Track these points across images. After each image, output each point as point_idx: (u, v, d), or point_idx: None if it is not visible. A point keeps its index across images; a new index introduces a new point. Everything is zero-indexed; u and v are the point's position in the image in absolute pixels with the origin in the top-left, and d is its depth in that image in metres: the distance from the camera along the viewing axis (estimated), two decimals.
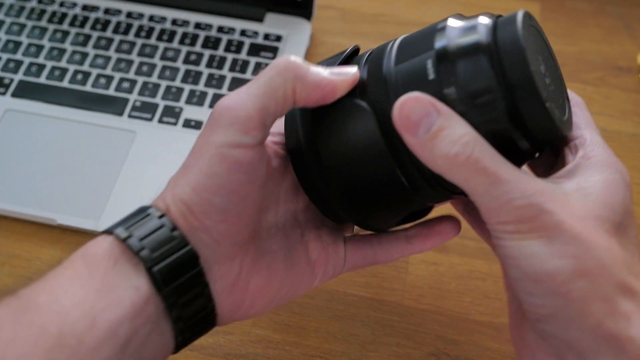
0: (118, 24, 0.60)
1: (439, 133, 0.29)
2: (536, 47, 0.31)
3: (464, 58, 0.30)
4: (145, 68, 0.57)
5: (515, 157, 0.31)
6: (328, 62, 0.36)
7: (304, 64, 0.33)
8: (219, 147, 0.32)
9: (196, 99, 0.55)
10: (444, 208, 0.39)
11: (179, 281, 0.30)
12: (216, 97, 0.55)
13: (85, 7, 0.61)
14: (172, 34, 0.59)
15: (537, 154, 0.33)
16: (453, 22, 0.32)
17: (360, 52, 0.39)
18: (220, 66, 0.57)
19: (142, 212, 0.32)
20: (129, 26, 0.60)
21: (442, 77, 0.30)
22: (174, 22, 0.60)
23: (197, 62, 0.57)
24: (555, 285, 0.29)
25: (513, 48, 0.30)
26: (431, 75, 0.30)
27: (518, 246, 0.29)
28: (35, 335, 0.27)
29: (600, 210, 0.30)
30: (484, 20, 0.32)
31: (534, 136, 0.31)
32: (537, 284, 0.29)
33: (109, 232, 0.31)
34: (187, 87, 0.56)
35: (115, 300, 0.29)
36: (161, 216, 0.31)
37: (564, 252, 0.28)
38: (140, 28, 0.59)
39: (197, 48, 0.58)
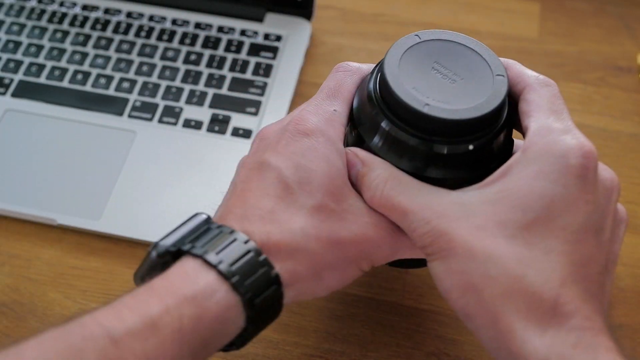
0: (118, 24, 0.60)
1: (362, 180, 0.33)
2: (426, 62, 0.35)
3: (362, 106, 0.36)
4: (145, 68, 0.57)
5: (453, 164, 0.34)
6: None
7: None
8: None
9: (196, 99, 0.55)
10: None
11: (264, 301, 0.30)
12: (216, 97, 0.55)
13: (85, 7, 0.61)
14: (172, 34, 0.59)
15: (470, 146, 0.33)
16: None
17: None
18: (220, 66, 0.57)
19: (226, 234, 0.31)
20: (129, 26, 0.60)
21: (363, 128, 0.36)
22: (174, 22, 0.60)
23: (197, 62, 0.57)
24: (452, 302, 0.30)
25: (380, 79, 0.35)
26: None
27: (430, 267, 0.31)
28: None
29: (506, 214, 0.29)
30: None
31: (435, 137, 0.33)
32: (446, 300, 0.31)
33: (202, 257, 0.30)
34: (187, 87, 0.56)
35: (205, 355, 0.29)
36: (247, 241, 0.30)
37: (455, 270, 0.29)
38: (140, 28, 0.59)
39: (197, 48, 0.58)
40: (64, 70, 0.56)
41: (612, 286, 0.45)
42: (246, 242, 0.30)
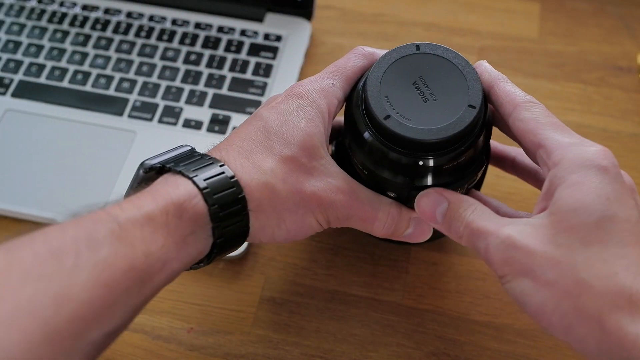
0: (118, 24, 0.60)
1: (450, 215, 0.35)
2: (412, 74, 0.37)
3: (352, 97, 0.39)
4: (145, 68, 0.57)
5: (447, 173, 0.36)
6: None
7: None
8: None
9: (196, 99, 0.55)
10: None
11: (231, 223, 0.35)
12: (216, 97, 0.55)
13: (85, 7, 0.61)
14: (172, 34, 0.59)
15: (420, 162, 0.36)
16: None
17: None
18: (220, 66, 0.57)
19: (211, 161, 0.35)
20: (129, 26, 0.60)
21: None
22: (174, 22, 0.60)
23: (197, 62, 0.57)
24: (547, 317, 0.30)
25: (365, 80, 0.37)
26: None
27: (510, 289, 0.32)
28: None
29: (572, 220, 0.30)
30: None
31: (391, 146, 0.36)
32: (538, 320, 0.31)
33: (190, 178, 0.34)
34: (187, 87, 0.56)
35: (186, 255, 0.33)
36: (222, 165, 0.35)
37: (543, 282, 0.30)
38: (140, 28, 0.59)
39: (197, 48, 0.58)
40: (64, 70, 0.56)
41: None
42: (221, 166, 0.35)
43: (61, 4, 0.61)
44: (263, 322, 0.45)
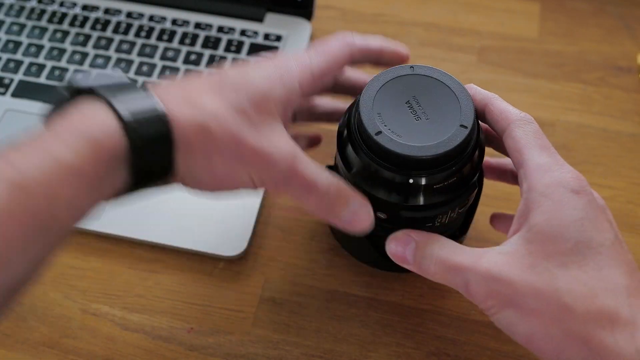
0: (118, 24, 0.60)
1: (419, 256, 0.35)
2: (405, 94, 0.37)
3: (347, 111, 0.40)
4: (145, 68, 0.57)
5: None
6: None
7: None
8: None
9: None
10: None
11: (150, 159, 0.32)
12: None
13: (85, 7, 0.61)
14: (172, 34, 0.59)
15: (410, 180, 0.36)
16: None
17: None
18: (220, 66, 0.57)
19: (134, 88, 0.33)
20: (129, 26, 0.60)
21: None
22: (174, 22, 0.60)
23: (197, 62, 0.57)
24: (536, 343, 0.31)
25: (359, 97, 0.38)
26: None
27: (498, 321, 0.32)
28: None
29: (549, 246, 0.31)
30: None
31: (381, 162, 0.36)
32: (528, 346, 0.32)
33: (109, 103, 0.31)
34: None
35: (98, 195, 0.31)
36: (154, 99, 0.32)
37: (528, 311, 0.31)
38: (140, 28, 0.59)
39: (197, 48, 0.58)
40: (64, 70, 0.56)
41: None
42: (153, 99, 0.32)
43: (61, 4, 0.61)
44: (263, 322, 0.45)
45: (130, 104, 0.31)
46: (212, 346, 0.44)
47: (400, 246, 0.36)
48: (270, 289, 0.46)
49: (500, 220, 0.44)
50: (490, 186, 0.46)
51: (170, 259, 0.47)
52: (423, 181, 0.35)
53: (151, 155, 0.31)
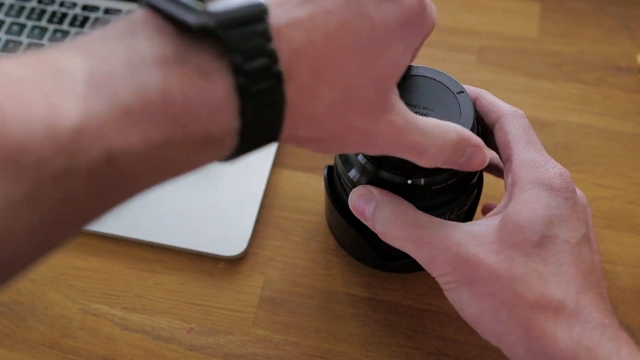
0: None
1: (376, 214, 0.35)
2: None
3: None
4: None
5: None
6: None
7: None
8: None
9: None
10: None
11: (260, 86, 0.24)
12: None
13: (85, 7, 0.61)
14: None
15: (409, 181, 0.36)
16: None
17: None
18: None
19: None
20: None
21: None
22: None
23: None
24: (482, 325, 0.32)
25: None
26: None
27: (451, 296, 0.34)
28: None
29: (516, 236, 0.32)
30: None
31: (381, 164, 0.36)
32: (474, 326, 0.33)
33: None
34: None
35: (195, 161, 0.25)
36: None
37: (482, 293, 0.32)
38: None
39: None
40: None
41: (611, 291, 0.45)
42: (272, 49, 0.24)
43: (61, 4, 0.61)
44: (263, 322, 0.45)
45: (249, 63, 0.24)
46: (212, 346, 0.44)
47: (360, 201, 0.36)
48: (270, 289, 0.46)
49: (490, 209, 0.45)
50: (489, 187, 0.46)
51: (170, 259, 0.47)
52: (422, 182, 0.35)
53: (259, 90, 0.24)
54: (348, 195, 0.40)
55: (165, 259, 0.47)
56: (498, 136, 0.36)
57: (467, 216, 0.43)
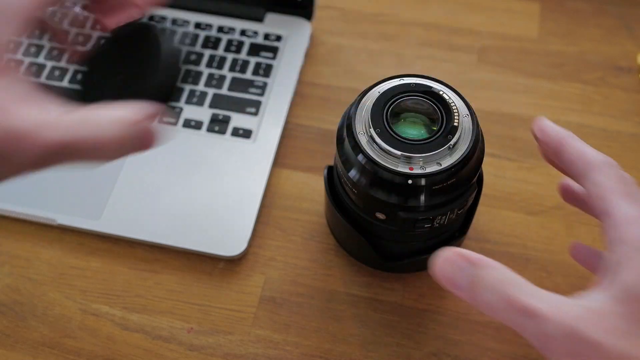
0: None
1: (476, 284, 0.30)
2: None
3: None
4: None
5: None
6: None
7: None
8: None
9: (196, 99, 0.55)
10: None
11: None
12: (216, 97, 0.55)
13: (85, 7, 0.61)
14: (172, 34, 0.59)
15: (409, 181, 0.35)
16: None
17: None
18: (220, 66, 0.57)
19: None
20: None
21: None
22: (174, 22, 0.60)
23: (197, 62, 0.57)
24: None
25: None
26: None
27: None
28: None
29: None
30: None
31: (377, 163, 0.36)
32: None
33: None
34: (187, 87, 0.56)
35: None
36: None
37: None
38: None
39: (197, 48, 0.58)
40: (64, 71, 0.56)
41: None
42: None
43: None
44: (263, 322, 0.45)
45: None
46: (212, 346, 0.44)
47: (450, 269, 0.31)
48: (270, 289, 0.46)
49: (581, 252, 0.40)
50: (490, 186, 0.46)
51: (170, 259, 0.47)
52: (422, 182, 0.35)
53: None
54: (348, 195, 0.40)
55: (165, 259, 0.47)
56: (590, 189, 0.32)
57: (468, 215, 0.43)
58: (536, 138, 0.35)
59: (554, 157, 0.34)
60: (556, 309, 0.28)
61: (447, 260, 0.31)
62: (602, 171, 0.32)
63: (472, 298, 0.30)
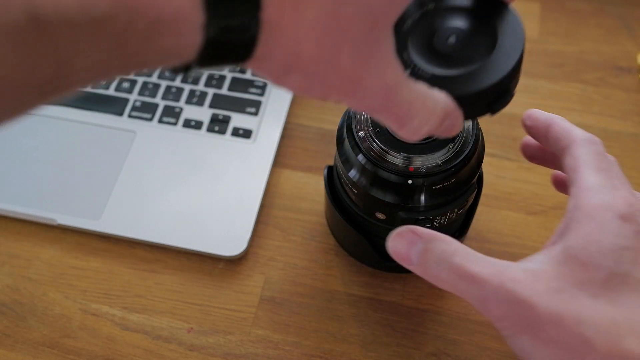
0: None
1: (425, 255, 0.31)
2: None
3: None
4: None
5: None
6: None
7: None
8: None
9: (196, 99, 0.55)
10: None
11: None
12: (216, 97, 0.55)
13: None
14: None
15: (409, 181, 0.36)
16: None
17: None
18: None
19: None
20: None
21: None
22: None
23: None
24: None
25: None
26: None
27: (511, 344, 0.30)
28: None
29: (581, 273, 0.28)
30: None
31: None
32: None
33: None
34: (187, 87, 0.56)
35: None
36: None
37: (546, 340, 0.28)
38: None
39: None
40: None
41: None
42: None
43: None
44: (263, 322, 0.45)
45: None
46: (212, 346, 0.44)
47: (403, 244, 0.32)
48: (270, 289, 0.46)
49: (559, 183, 0.40)
50: (490, 186, 0.46)
51: (170, 259, 0.47)
52: (422, 182, 0.35)
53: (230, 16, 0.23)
54: (348, 195, 0.39)
55: (165, 259, 0.47)
56: (567, 162, 0.33)
57: (468, 215, 0.43)
58: (525, 126, 0.36)
59: (542, 139, 0.35)
60: (496, 273, 0.29)
61: (399, 236, 0.32)
62: (582, 146, 0.33)
63: (423, 271, 0.32)
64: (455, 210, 0.38)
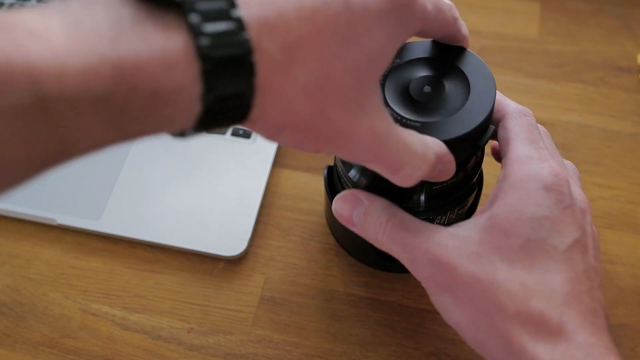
0: None
1: (365, 219, 0.34)
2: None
3: None
4: None
5: None
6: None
7: None
8: None
9: None
10: None
11: (225, 52, 0.23)
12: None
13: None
14: None
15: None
16: None
17: None
18: None
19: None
20: None
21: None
22: None
23: None
24: (463, 332, 0.31)
25: None
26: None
27: (434, 302, 0.32)
28: None
29: (500, 239, 0.30)
30: None
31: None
32: (459, 333, 0.31)
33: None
34: None
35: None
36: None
37: (462, 299, 0.30)
38: None
39: None
40: None
41: (610, 291, 0.45)
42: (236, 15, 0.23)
43: None
44: (263, 322, 0.45)
45: (208, 24, 0.22)
46: (212, 346, 0.44)
47: (347, 207, 0.34)
48: (270, 289, 0.46)
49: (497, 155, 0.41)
50: (490, 186, 0.46)
51: (170, 259, 0.47)
52: (422, 182, 0.35)
53: (226, 77, 0.23)
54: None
55: (165, 259, 0.47)
56: (500, 134, 0.35)
57: (468, 216, 0.43)
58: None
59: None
60: (425, 238, 0.32)
61: (343, 199, 0.35)
62: (514, 118, 0.34)
63: (363, 233, 0.34)
64: (455, 210, 0.38)
